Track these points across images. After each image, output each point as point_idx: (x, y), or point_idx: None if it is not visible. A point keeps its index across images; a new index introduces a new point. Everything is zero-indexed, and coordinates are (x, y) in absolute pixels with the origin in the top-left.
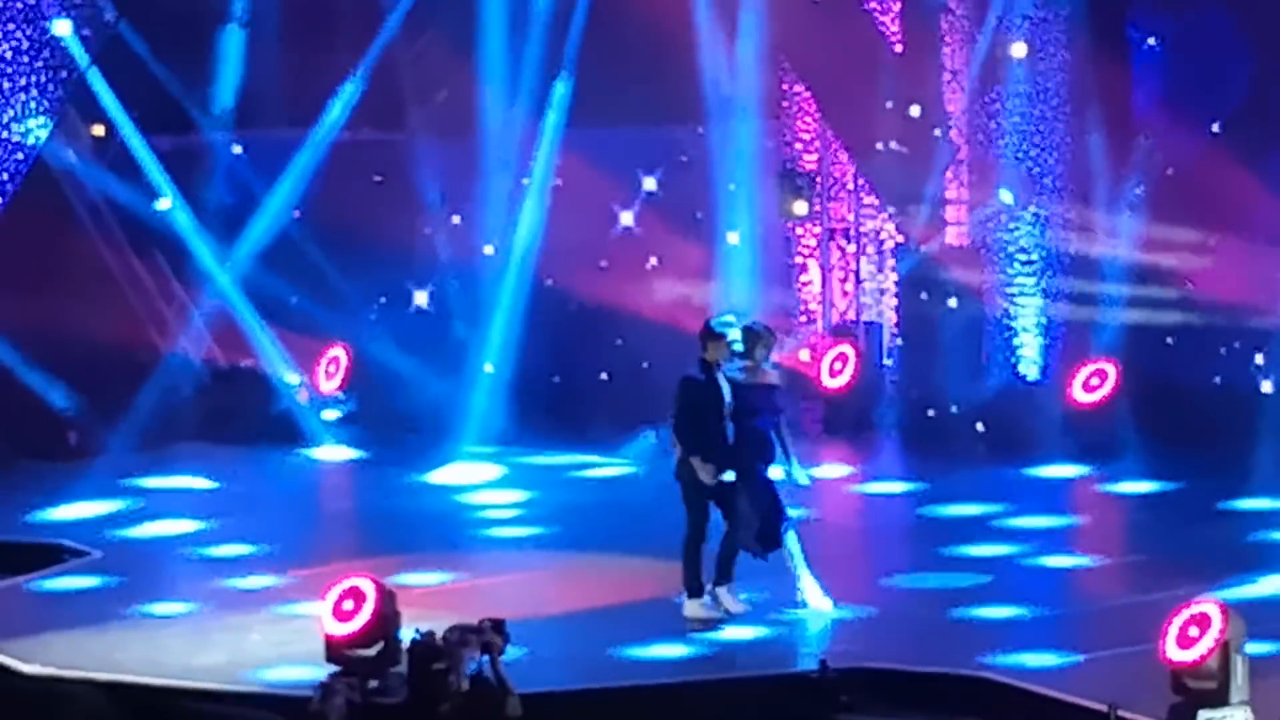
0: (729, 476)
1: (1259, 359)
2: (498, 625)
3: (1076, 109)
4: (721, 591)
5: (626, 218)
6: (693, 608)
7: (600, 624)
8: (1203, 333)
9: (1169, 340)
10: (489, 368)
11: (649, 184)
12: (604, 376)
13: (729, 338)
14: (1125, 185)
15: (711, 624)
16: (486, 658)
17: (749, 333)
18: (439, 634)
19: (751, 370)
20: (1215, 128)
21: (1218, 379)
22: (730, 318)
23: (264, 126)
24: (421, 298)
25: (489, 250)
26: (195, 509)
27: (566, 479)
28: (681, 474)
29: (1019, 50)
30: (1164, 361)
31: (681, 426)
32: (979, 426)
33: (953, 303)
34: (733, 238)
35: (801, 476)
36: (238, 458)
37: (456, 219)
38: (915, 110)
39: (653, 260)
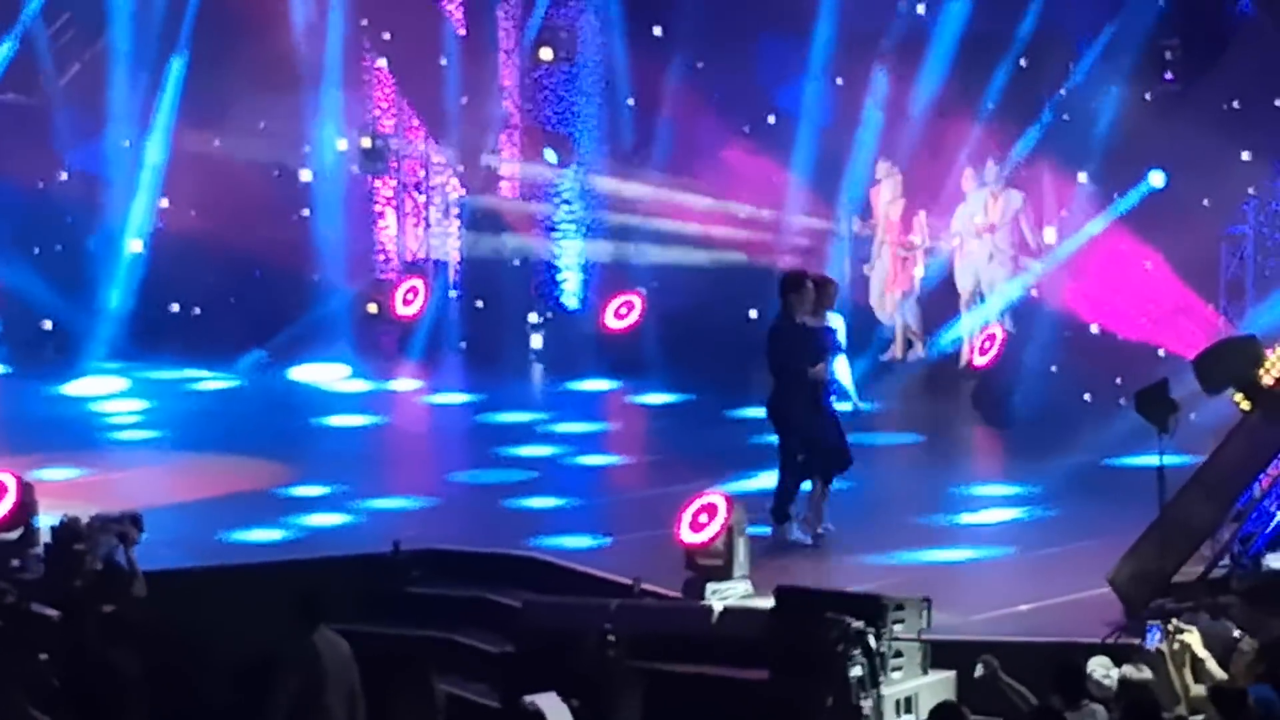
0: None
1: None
2: (135, 519)
3: (609, 84)
4: (791, 525)
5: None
6: (794, 531)
7: (209, 513)
8: (713, 271)
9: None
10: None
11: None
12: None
13: (807, 288)
14: (650, 150)
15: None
16: (120, 545)
17: (820, 283)
18: (83, 520)
19: (819, 316)
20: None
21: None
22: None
23: None
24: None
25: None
26: None
27: (182, 391)
28: (779, 412)
29: (546, 54)
30: (681, 294)
31: (783, 369)
32: (533, 345)
33: (508, 242)
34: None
35: (859, 403)
36: None
37: (64, 175)
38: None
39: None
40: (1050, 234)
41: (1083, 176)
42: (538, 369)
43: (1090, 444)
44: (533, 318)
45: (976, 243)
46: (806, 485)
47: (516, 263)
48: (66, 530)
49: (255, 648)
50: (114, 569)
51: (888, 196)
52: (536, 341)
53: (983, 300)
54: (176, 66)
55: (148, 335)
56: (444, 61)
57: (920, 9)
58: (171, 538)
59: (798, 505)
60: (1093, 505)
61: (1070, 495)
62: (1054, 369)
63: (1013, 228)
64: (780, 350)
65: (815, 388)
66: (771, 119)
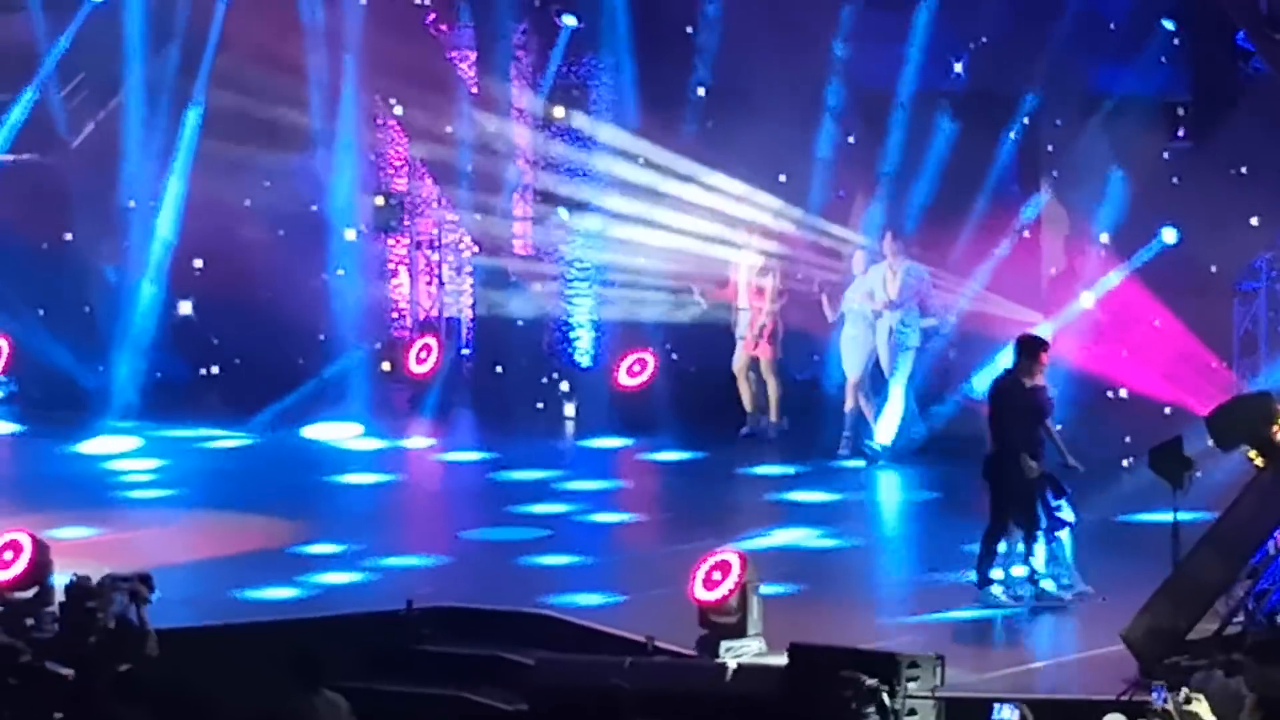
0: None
1: None
2: (145, 578)
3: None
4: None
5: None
6: (998, 591)
7: (223, 571)
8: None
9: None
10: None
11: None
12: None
13: (1042, 355)
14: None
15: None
16: (132, 604)
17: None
18: (94, 579)
19: (1039, 377)
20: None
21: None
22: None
23: None
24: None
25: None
26: None
27: (196, 449)
28: (994, 471)
29: (559, 112)
30: (691, 351)
31: (1007, 429)
32: (539, 405)
33: (520, 302)
34: (350, 234)
35: (1074, 463)
36: None
37: (76, 234)
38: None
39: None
40: (1088, 298)
41: (1105, 238)
42: (568, 426)
43: (1103, 501)
44: (564, 386)
45: (875, 321)
46: (1002, 547)
47: (526, 321)
48: (79, 589)
49: (267, 706)
50: (127, 627)
51: (749, 262)
52: (570, 410)
53: (888, 377)
54: (193, 117)
55: (161, 394)
56: (457, 120)
57: (958, 68)
58: (185, 596)
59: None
60: (1107, 562)
61: (1084, 552)
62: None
63: (914, 303)
64: (1009, 411)
65: (1035, 448)
66: (783, 178)
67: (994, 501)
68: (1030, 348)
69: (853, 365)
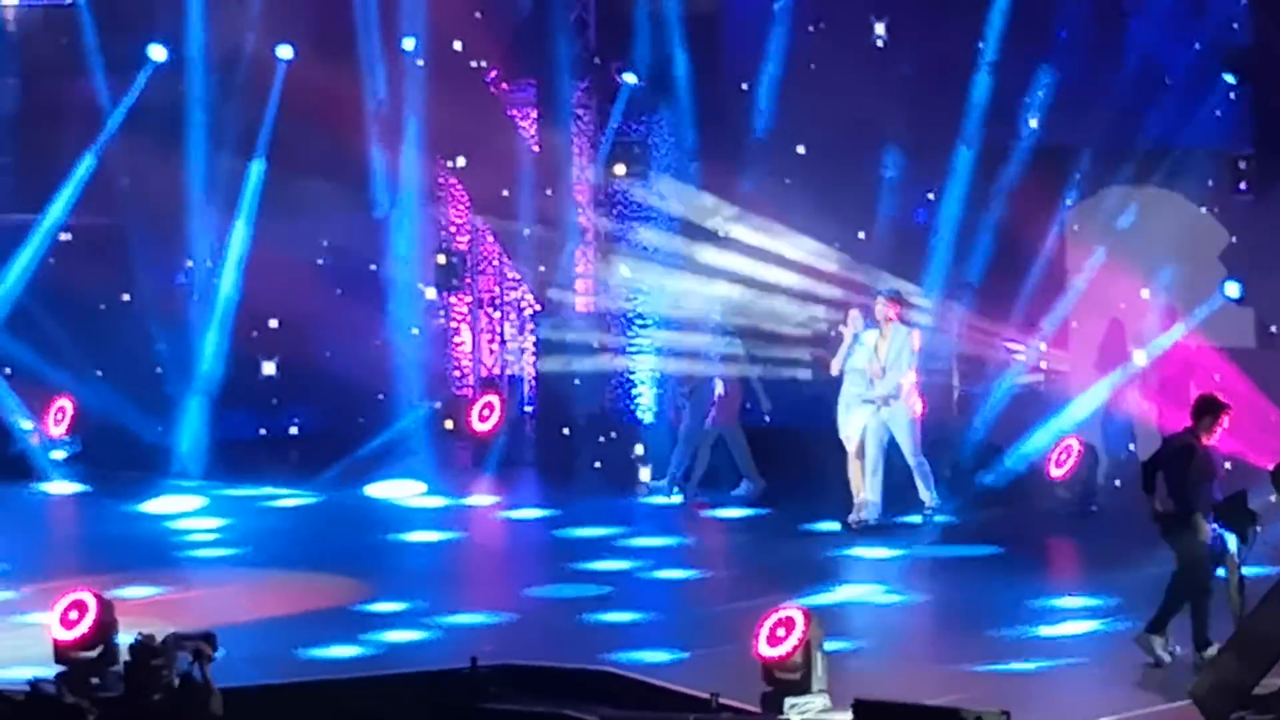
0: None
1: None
2: (209, 637)
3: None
4: (1158, 640)
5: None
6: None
7: (287, 629)
8: (782, 382)
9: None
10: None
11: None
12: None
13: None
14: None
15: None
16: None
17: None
18: (158, 638)
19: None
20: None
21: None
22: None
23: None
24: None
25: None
26: None
27: (258, 507)
28: (1174, 534)
29: (620, 169)
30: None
31: (1188, 491)
32: (597, 465)
33: (582, 359)
34: (430, 292)
35: None
36: None
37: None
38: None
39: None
40: (1140, 356)
41: (1165, 292)
42: (641, 489)
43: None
44: (639, 449)
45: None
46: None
47: (586, 378)
48: (144, 648)
49: None
50: (191, 686)
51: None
52: (645, 474)
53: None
54: (256, 170)
55: (226, 453)
56: (518, 177)
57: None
58: (249, 654)
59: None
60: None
61: (1149, 606)
62: (1117, 484)
63: (907, 367)
64: (1190, 471)
65: (1208, 510)
66: (862, 234)
67: (1179, 561)
68: (1213, 408)
69: (849, 427)
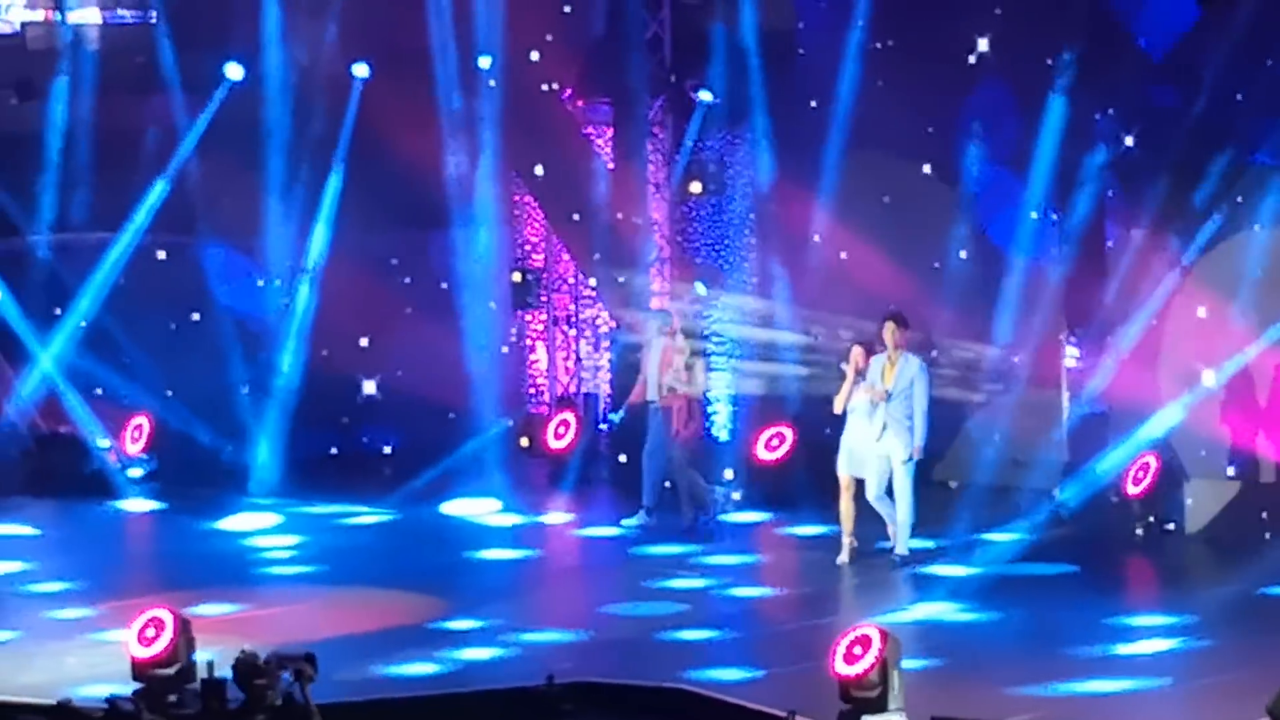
0: None
1: None
2: (310, 657)
3: (758, 218)
4: None
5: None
6: None
7: (364, 647)
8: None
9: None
10: None
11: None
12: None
13: None
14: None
15: None
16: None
17: None
18: (261, 656)
19: None
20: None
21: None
22: None
23: (78, 230)
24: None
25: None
26: (20, 553)
27: (334, 525)
28: None
29: (695, 187)
30: (828, 425)
31: None
32: (666, 485)
33: None
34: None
35: None
36: (57, 510)
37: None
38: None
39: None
40: (1209, 376)
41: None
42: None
43: (1244, 573)
44: (728, 473)
45: (872, 412)
46: None
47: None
48: (246, 665)
49: None
50: (292, 705)
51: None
52: (736, 496)
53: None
54: (333, 182)
55: (301, 471)
56: (593, 195)
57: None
58: (325, 672)
59: None
60: (1249, 635)
61: (1226, 625)
62: (1189, 501)
63: (909, 394)
64: None
65: None
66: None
67: None
68: None
69: (848, 466)
